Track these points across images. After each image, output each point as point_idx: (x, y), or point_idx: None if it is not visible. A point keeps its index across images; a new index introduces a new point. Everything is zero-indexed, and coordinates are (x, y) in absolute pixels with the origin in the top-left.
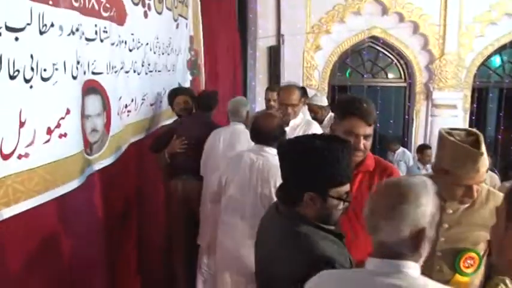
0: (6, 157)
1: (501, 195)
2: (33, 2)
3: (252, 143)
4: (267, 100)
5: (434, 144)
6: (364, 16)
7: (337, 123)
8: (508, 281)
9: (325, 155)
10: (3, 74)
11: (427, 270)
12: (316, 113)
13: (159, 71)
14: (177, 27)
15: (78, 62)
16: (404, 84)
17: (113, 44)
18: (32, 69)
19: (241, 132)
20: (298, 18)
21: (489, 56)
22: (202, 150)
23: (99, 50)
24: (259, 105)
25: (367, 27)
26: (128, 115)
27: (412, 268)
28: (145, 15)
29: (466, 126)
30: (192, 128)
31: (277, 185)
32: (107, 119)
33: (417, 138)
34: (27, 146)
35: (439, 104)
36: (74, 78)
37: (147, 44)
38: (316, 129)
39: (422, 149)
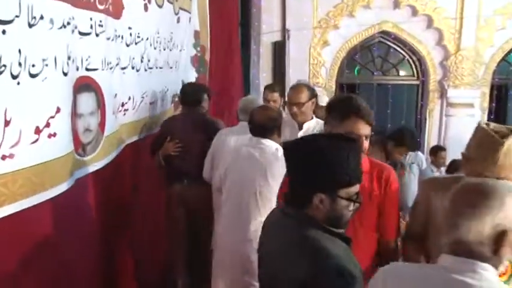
0: None
1: None
2: None
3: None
4: (266, 100)
5: (449, 145)
6: (375, 10)
7: (335, 125)
8: None
9: (334, 155)
10: None
11: None
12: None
13: (160, 68)
14: (178, 21)
15: (69, 58)
16: (417, 82)
17: (108, 38)
18: (20, 64)
19: None
20: (305, 12)
21: (510, 51)
22: (199, 152)
23: (94, 45)
24: None
25: (377, 22)
26: (124, 114)
27: (489, 271)
28: (146, 8)
29: None
30: (184, 128)
31: (274, 175)
32: (102, 118)
33: (430, 139)
34: (13, 146)
35: (455, 103)
36: (65, 74)
37: (147, 38)
38: None
39: (436, 150)
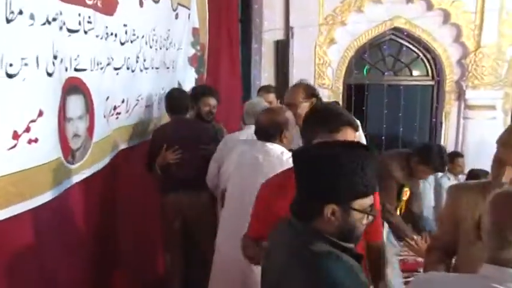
0: None
1: None
2: None
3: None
4: None
5: (467, 152)
6: (386, 4)
7: (326, 137)
8: None
9: (349, 163)
10: None
11: None
12: None
13: (156, 68)
14: (176, 17)
15: (55, 57)
16: (432, 83)
17: (98, 36)
18: None
19: None
20: (310, 8)
21: None
22: (196, 160)
23: (83, 44)
24: None
25: (388, 18)
26: (117, 118)
27: None
28: (141, 3)
29: None
30: (178, 136)
31: None
32: (90, 122)
33: (447, 145)
34: None
35: (474, 105)
36: (50, 75)
37: (143, 36)
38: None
39: (453, 157)
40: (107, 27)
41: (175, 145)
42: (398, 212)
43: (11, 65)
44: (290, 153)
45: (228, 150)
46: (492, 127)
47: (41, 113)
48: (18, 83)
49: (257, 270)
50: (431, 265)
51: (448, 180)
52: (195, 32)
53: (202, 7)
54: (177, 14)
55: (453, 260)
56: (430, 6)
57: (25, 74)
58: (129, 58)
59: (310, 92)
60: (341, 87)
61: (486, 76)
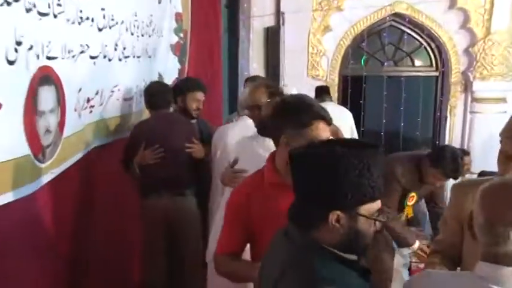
0: None
1: None
2: None
3: None
4: None
5: (474, 149)
6: None
7: (296, 133)
8: None
9: (353, 164)
10: None
11: None
12: None
13: (138, 57)
14: (159, 1)
15: (19, 43)
16: (436, 74)
17: (69, 20)
18: None
19: None
20: None
21: None
22: (180, 159)
23: (53, 29)
24: None
25: (388, 2)
26: (90, 112)
27: None
28: None
29: None
30: (161, 133)
31: None
32: (61, 116)
33: (452, 141)
34: None
35: (482, 98)
36: (11, 63)
37: (122, 22)
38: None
39: None
40: (81, 11)
41: (156, 143)
42: (404, 218)
43: None
44: None
45: (221, 142)
46: (502, 122)
47: None
48: None
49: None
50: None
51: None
52: (178, 17)
53: None
54: None
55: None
56: None
57: None
58: (106, 46)
59: (274, 90)
60: (336, 79)
61: (496, 66)
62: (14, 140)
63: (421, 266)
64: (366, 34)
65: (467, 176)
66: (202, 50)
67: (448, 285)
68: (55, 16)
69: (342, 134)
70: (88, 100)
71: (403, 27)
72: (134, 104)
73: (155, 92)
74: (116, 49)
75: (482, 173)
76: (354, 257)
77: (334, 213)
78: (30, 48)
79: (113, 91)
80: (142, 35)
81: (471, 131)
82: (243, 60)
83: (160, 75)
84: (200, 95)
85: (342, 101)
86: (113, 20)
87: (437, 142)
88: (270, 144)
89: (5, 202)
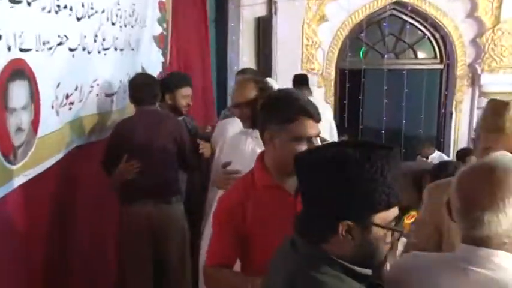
0: None
1: None
2: None
3: None
4: None
5: None
6: None
7: (280, 129)
8: None
9: (366, 168)
10: None
11: None
12: None
13: (120, 50)
14: None
15: None
16: (441, 66)
17: (44, 9)
18: None
19: None
20: None
21: None
22: (167, 163)
23: (26, 18)
24: None
25: None
26: (70, 109)
27: (510, 259)
28: None
29: None
30: (145, 134)
31: None
32: (35, 114)
33: (458, 138)
34: None
35: (490, 92)
36: None
37: (103, 11)
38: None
39: (465, 154)
40: None
41: (139, 144)
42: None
43: None
44: None
45: (221, 137)
46: None
47: None
48: None
49: None
50: None
51: None
52: (161, 6)
53: None
54: None
55: None
56: None
57: None
58: (85, 37)
59: (263, 86)
60: (333, 73)
61: (506, 57)
62: None
63: None
64: (365, 24)
65: None
66: (187, 42)
67: (432, 265)
68: (29, 4)
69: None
70: (67, 96)
71: (404, 17)
72: (116, 100)
73: (140, 85)
74: (95, 40)
75: (463, 150)
76: (367, 271)
77: (344, 223)
78: (0, 38)
79: (92, 86)
80: (125, 26)
81: None
82: (232, 53)
83: (143, 69)
84: (188, 90)
85: (339, 97)
86: (92, 8)
87: (441, 140)
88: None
89: None
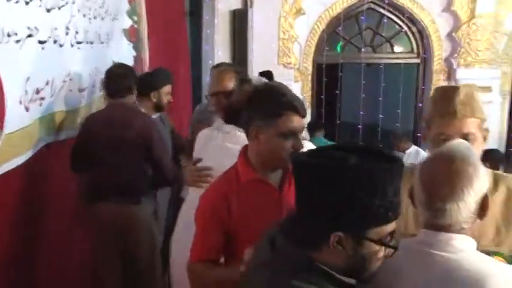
0: None
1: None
2: None
3: None
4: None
5: None
6: None
7: (266, 124)
8: None
9: (365, 179)
10: None
11: None
12: None
13: (90, 43)
14: None
15: None
16: (417, 61)
17: None
18: None
19: None
20: None
21: None
22: (134, 159)
23: None
24: None
25: None
26: (40, 104)
27: (469, 241)
28: None
29: (505, 115)
30: (112, 129)
31: None
32: (1, 110)
33: None
34: None
35: None
36: None
37: (74, 2)
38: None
39: None
40: None
41: (106, 139)
42: None
43: None
44: None
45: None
46: (488, 112)
47: None
48: None
49: None
50: None
51: None
52: None
53: None
54: None
55: None
56: None
57: None
58: (56, 29)
59: (243, 76)
60: (310, 67)
61: (481, 52)
62: None
63: None
64: (342, 18)
65: None
66: (162, 36)
67: (399, 251)
68: None
69: None
70: (38, 91)
71: (382, 10)
72: (86, 95)
73: (112, 76)
74: (67, 33)
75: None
76: (352, 281)
77: (337, 234)
78: None
79: (65, 81)
80: (95, 18)
81: None
82: (207, 47)
83: (113, 62)
84: (170, 87)
85: (317, 91)
86: None
87: (418, 135)
88: (240, 136)
89: None
